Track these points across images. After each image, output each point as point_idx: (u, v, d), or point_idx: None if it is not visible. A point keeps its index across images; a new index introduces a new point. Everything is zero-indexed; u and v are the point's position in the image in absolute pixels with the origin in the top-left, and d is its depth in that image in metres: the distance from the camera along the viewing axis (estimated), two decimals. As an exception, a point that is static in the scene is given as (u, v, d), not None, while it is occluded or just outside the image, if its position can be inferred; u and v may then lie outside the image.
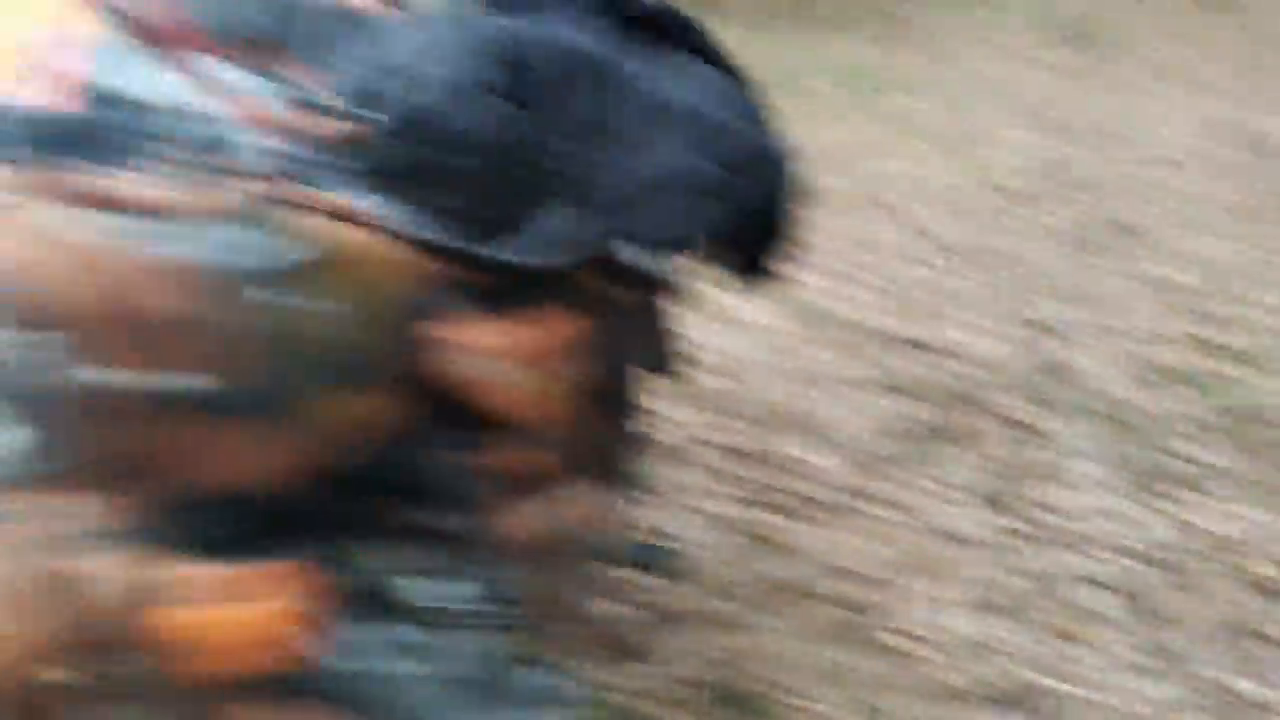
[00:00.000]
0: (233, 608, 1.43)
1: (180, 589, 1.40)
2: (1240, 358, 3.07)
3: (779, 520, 2.49)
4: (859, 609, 2.24)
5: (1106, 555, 2.40)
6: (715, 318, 3.03)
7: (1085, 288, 3.66)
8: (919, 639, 2.17)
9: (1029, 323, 3.42)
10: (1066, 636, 2.19)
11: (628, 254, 1.48)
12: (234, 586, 1.43)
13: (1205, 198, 4.41)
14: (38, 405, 1.34)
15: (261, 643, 1.45)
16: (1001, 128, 5.83)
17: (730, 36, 1.66)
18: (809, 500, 2.55)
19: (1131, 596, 2.27)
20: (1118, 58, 7.46)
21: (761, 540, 2.43)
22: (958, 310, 3.56)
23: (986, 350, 3.23)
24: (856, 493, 2.60)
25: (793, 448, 2.73)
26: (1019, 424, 2.85)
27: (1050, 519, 2.52)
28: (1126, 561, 2.38)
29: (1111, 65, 7.24)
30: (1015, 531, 2.48)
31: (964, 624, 2.21)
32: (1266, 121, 5.41)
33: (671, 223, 1.52)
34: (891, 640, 2.18)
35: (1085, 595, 2.27)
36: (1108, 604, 2.26)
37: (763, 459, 2.69)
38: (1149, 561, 2.38)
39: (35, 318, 1.30)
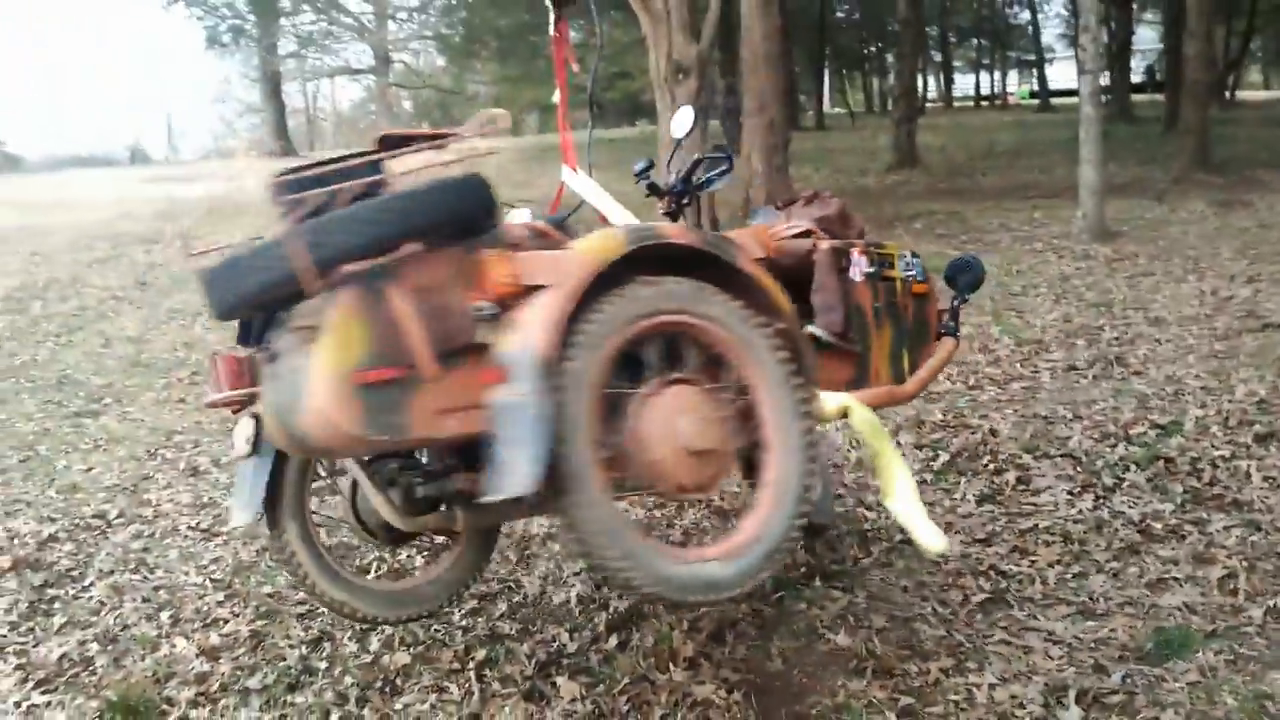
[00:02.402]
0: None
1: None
2: (1168, 429, 4.40)
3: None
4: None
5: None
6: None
7: (1075, 396, 5.04)
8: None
9: (1034, 416, 4.79)
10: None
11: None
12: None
13: (1189, 347, 5.74)
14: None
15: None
16: (1033, 300, 7.31)
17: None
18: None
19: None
20: (1138, 248, 8.94)
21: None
22: (980, 408, 4.97)
23: (1000, 426, 4.61)
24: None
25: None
26: (1015, 463, 4.21)
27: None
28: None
29: (1132, 253, 8.70)
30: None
31: None
32: (1248, 291, 6.79)
33: None
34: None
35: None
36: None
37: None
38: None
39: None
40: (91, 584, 3.74)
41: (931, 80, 46.24)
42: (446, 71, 37.81)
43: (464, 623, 3.26)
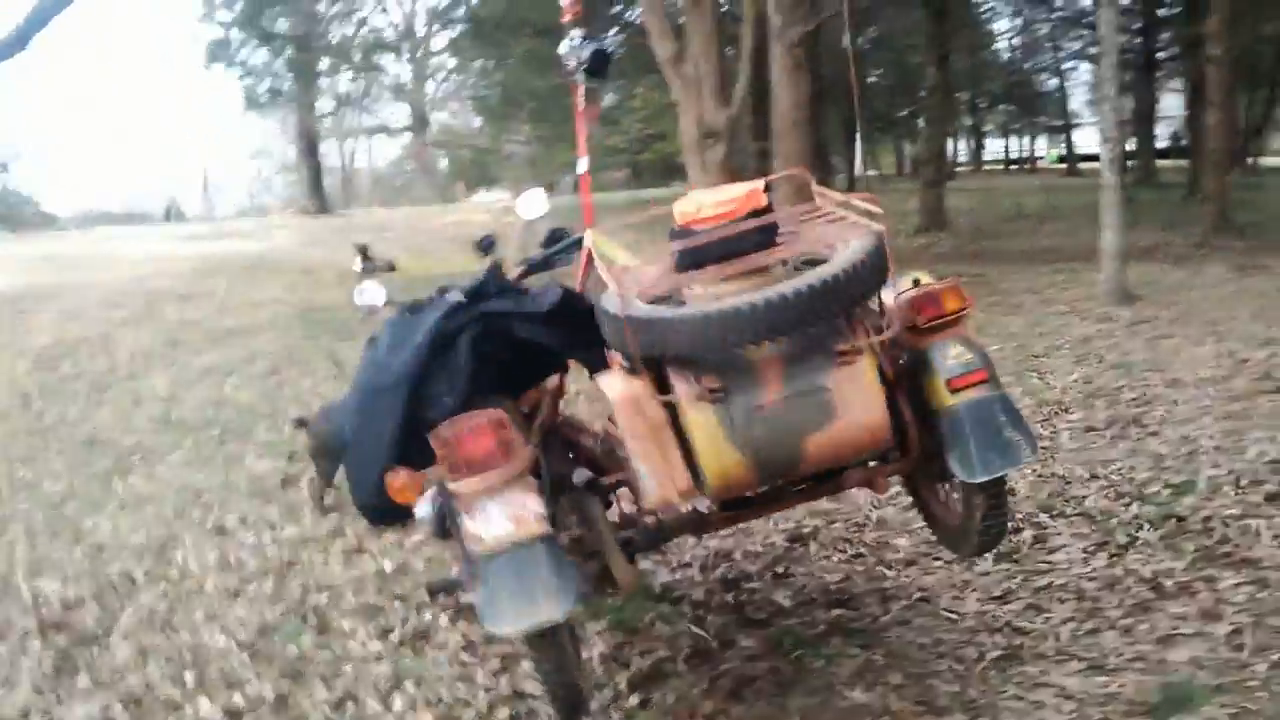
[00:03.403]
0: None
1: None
2: (1182, 488, 4.48)
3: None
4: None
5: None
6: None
7: (1092, 456, 5.11)
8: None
9: (1052, 476, 4.86)
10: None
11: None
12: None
13: (1205, 408, 5.80)
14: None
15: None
16: (1054, 361, 7.39)
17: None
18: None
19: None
20: (1158, 310, 9.00)
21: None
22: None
23: (1019, 486, 4.69)
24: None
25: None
26: (1032, 522, 4.29)
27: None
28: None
29: (1152, 316, 8.77)
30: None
31: None
32: (1265, 354, 6.82)
33: None
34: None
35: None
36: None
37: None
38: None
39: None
40: (116, 646, 3.79)
41: (962, 144, 46.77)
42: (482, 131, 38.42)
43: (486, 682, 3.32)
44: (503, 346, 2.67)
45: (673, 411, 2.52)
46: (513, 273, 3.48)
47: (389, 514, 2.63)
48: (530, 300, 2.77)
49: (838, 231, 2.70)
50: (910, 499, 3.52)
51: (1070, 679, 3.02)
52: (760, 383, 2.47)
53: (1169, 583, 3.61)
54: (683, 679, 3.19)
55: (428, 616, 3.80)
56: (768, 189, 2.73)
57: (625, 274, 2.78)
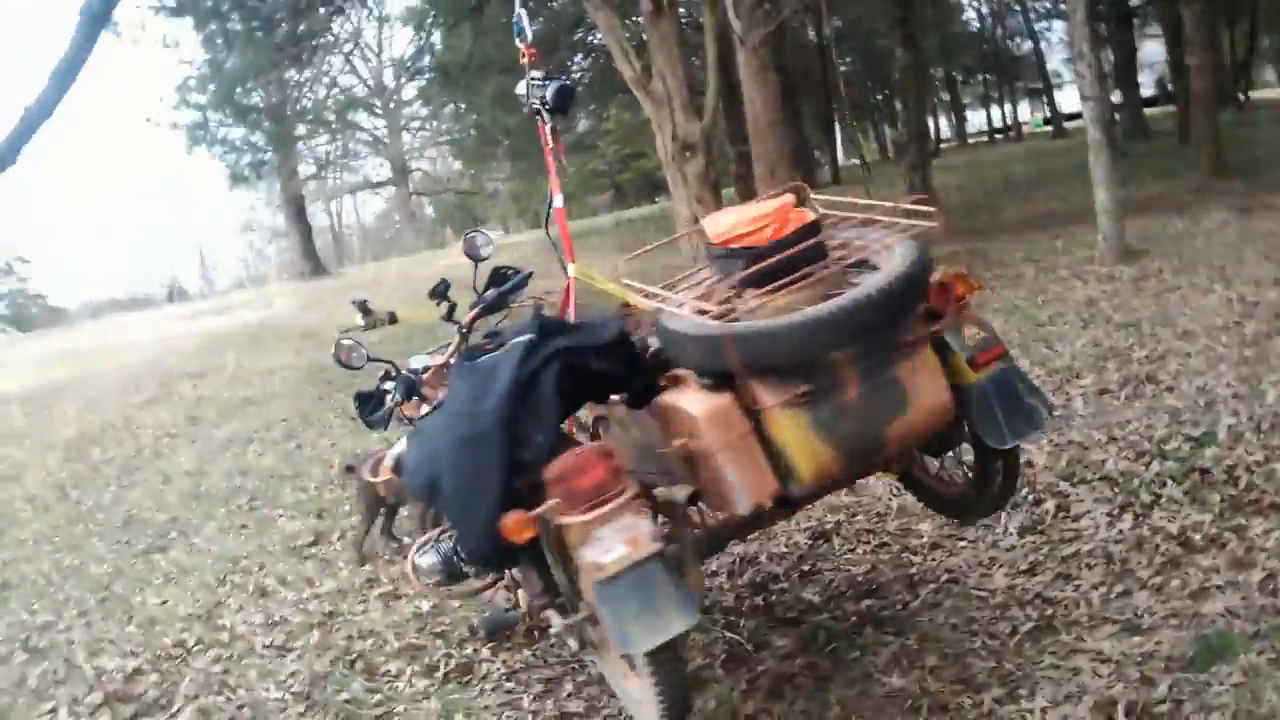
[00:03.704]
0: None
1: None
2: (1202, 441, 4.47)
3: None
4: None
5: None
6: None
7: (1108, 419, 5.11)
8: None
9: (1069, 443, 4.85)
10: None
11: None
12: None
13: (1219, 356, 5.79)
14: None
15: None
16: (1060, 328, 7.37)
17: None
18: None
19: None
20: (1163, 263, 8.98)
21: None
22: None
23: (1037, 457, 4.69)
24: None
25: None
26: (1054, 492, 4.29)
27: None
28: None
29: (1156, 270, 8.75)
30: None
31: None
32: (1276, 294, 6.81)
33: None
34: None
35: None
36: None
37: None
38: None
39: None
40: (179, 710, 3.87)
41: (943, 120, 46.77)
42: (463, 174, 38.72)
43: (532, 707, 3.38)
44: (575, 380, 2.75)
45: (754, 420, 2.64)
46: (467, 315, 3.61)
47: (501, 557, 2.72)
48: (594, 333, 2.86)
49: (876, 236, 2.91)
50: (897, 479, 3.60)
51: (1105, 642, 3.03)
52: (841, 382, 2.65)
53: (1197, 536, 3.62)
54: (721, 684, 3.22)
55: (469, 650, 3.85)
56: (799, 202, 2.94)
57: (665, 297, 2.96)
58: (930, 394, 2.77)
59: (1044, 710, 2.73)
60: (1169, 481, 4.12)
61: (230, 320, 18.31)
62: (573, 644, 2.88)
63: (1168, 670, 2.81)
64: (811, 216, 2.88)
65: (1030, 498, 4.28)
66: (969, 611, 3.43)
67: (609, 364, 2.81)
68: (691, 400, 2.68)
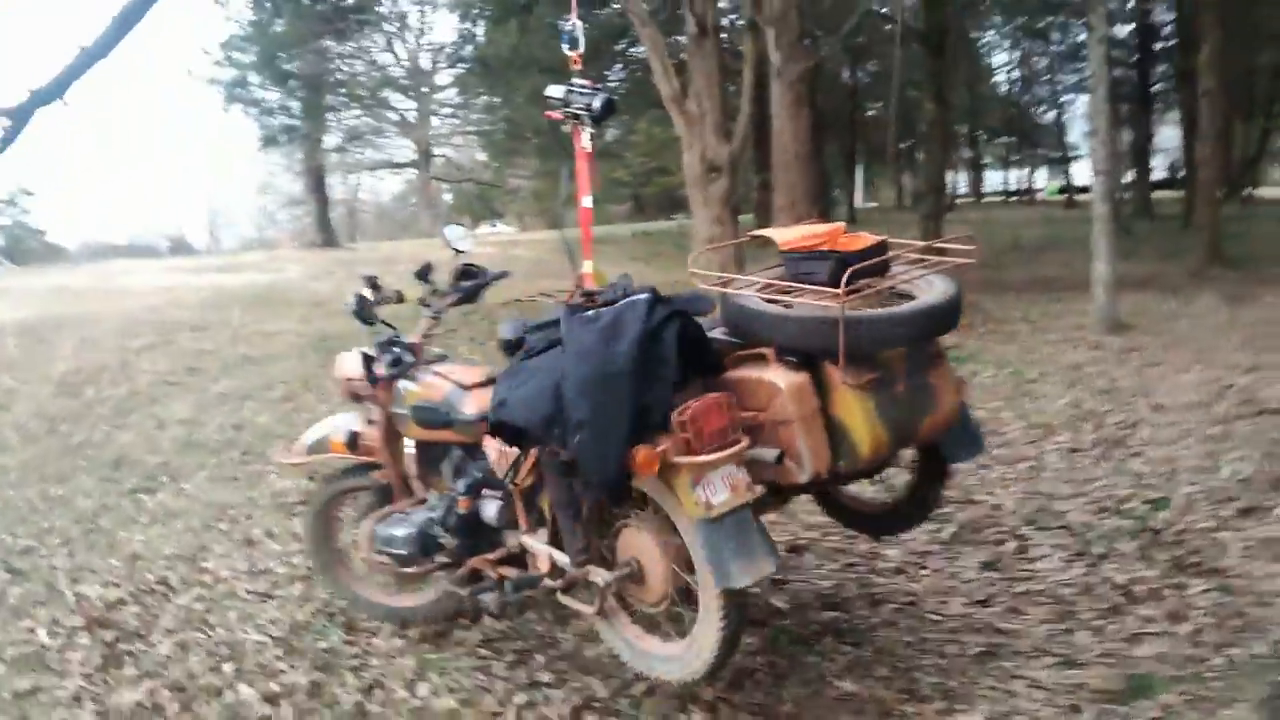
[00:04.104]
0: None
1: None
2: (1158, 504, 4.75)
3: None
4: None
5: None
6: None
7: (1076, 475, 5.37)
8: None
9: (1037, 493, 5.12)
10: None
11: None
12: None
13: (1187, 430, 6.07)
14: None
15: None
16: (1045, 386, 7.65)
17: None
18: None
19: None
20: (1149, 339, 9.27)
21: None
22: (987, 485, 5.32)
23: (1005, 501, 4.95)
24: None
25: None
26: (1016, 534, 4.55)
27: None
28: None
29: (1143, 344, 9.03)
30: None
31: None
32: (1248, 380, 7.09)
33: None
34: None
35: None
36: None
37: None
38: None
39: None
40: (159, 642, 4.05)
41: (962, 176, 47.23)
42: (487, 166, 38.81)
43: (505, 674, 3.58)
44: (686, 341, 2.98)
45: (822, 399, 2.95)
46: (445, 300, 3.89)
47: (625, 487, 2.94)
48: (695, 305, 3.12)
49: (917, 267, 3.22)
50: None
51: (1043, 672, 3.28)
52: (894, 376, 3.00)
53: (1140, 589, 3.87)
54: (685, 672, 3.44)
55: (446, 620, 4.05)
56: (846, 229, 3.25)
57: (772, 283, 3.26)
58: (949, 400, 3.14)
59: (977, 723, 2.98)
60: (1123, 537, 4.38)
61: (238, 279, 18.40)
62: (591, 606, 3.17)
63: (1094, 701, 3.06)
64: (871, 239, 3.13)
65: (993, 537, 4.54)
66: (923, 632, 3.67)
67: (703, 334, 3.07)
68: (777, 374, 2.95)
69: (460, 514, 3.50)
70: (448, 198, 43.27)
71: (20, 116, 10.19)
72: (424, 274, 3.90)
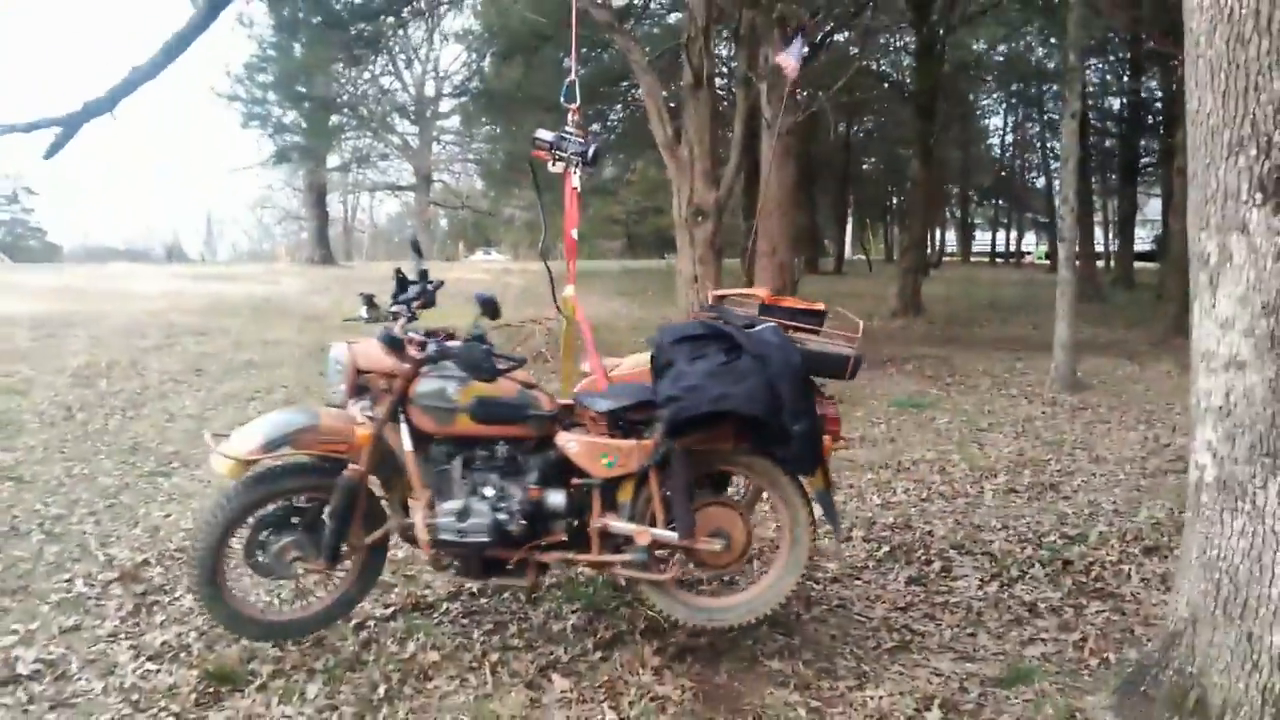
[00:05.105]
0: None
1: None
2: (1075, 540, 5.31)
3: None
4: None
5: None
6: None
7: (1008, 512, 5.93)
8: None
9: (969, 524, 5.67)
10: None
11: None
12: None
13: (1117, 481, 6.65)
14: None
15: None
16: (995, 435, 8.23)
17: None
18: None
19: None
20: (1101, 399, 9.88)
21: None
22: (926, 515, 5.87)
23: (939, 529, 5.50)
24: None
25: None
26: (943, 557, 5.09)
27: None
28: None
29: (1094, 403, 9.64)
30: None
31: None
32: (1185, 440, 7.67)
33: None
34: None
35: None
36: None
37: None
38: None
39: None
40: (182, 596, 4.54)
41: (951, 234, 48.07)
42: (485, 194, 39.51)
43: (481, 638, 4.09)
44: None
45: None
46: (415, 301, 3.99)
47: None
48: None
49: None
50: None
51: (945, 664, 3.82)
52: None
53: (1043, 606, 4.43)
54: (637, 645, 3.97)
55: (427, 592, 4.57)
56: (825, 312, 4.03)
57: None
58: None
59: (880, 698, 3.51)
60: (1037, 564, 4.94)
61: (237, 289, 18.94)
62: (662, 574, 3.82)
63: (982, 685, 3.60)
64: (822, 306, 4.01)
65: (922, 557, 5.08)
66: (848, 629, 4.21)
67: None
68: None
69: (532, 503, 3.78)
70: (444, 223, 43.89)
71: (71, 126, 10.66)
72: (368, 301, 4.03)
